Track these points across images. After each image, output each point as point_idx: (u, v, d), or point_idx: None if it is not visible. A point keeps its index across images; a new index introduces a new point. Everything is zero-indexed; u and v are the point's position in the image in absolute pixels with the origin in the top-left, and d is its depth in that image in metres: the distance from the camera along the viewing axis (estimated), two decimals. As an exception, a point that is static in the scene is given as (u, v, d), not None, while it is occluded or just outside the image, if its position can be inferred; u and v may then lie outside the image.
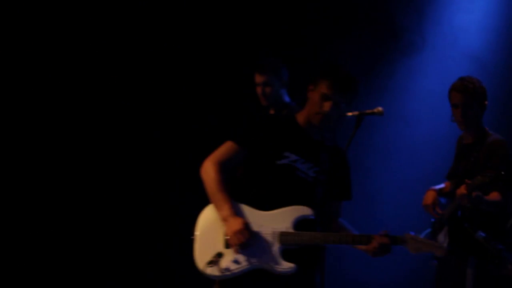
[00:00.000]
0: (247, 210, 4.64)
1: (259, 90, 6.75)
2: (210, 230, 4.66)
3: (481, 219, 5.45)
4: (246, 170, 4.76)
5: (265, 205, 4.65)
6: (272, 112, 6.76)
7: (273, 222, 4.59)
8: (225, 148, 4.75)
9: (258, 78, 6.74)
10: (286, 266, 4.54)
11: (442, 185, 5.95)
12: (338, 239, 4.57)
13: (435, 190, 5.85)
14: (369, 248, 4.55)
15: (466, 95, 5.61)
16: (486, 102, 5.68)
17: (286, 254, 4.57)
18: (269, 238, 4.57)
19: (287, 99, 6.78)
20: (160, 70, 8.34)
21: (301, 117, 4.79)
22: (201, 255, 4.62)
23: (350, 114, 5.28)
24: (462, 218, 5.45)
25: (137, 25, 8.28)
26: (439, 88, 5.87)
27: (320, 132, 4.79)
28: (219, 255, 4.56)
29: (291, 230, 4.57)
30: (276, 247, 4.56)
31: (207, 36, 8.26)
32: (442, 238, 5.68)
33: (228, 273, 4.54)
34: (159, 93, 8.32)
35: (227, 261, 4.56)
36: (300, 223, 4.61)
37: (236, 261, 4.56)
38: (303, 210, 4.62)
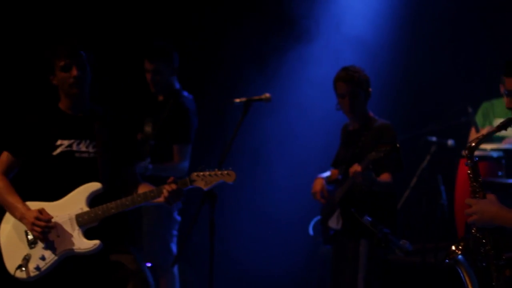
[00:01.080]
0: (39, 205, 4.77)
1: (148, 77, 6.65)
2: (13, 236, 4.79)
3: (371, 201, 5.54)
4: (29, 169, 4.91)
5: (56, 197, 4.78)
6: (161, 98, 6.66)
7: (67, 208, 4.72)
8: (3, 159, 4.92)
9: (148, 65, 6.64)
10: (90, 244, 4.67)
11: (328, 173, 6.02)
12: (131, 202, 4.70)
13: (322, 178, 5.94)
14: (162, 199, 4.69)
15: (352, 84, 5.70)
16: (371, 89, 5.77)
17: (91, 233, 4.71)
18: (67, 224, 4.71)
19: (177, 85, 6.69)
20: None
21: (62, 103, 4.92)
22: (10, 261, 4.74)
23: (238, 100, 5.38)
24: (351, 202, 5.53)
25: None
26: (332, 73, 5.89)
27: (84, 106, 4.91)
28: (27, 257, 4.68)
29: (86, 210, 4.70)
30: (76, 230, 4.69)
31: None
32: (334, 221, 5.76)
33: (38, 272, 4.68)
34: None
35: (35, 260, 4.69)
36: (94, 200, 4.75)
37: (43, 257, 4.69)
38: (91, 187, 4.76)
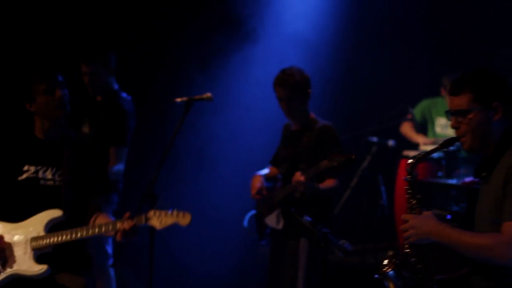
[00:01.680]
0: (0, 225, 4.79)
1: (85, 79, 6.57)
2: None
3: (309, 202, 5.55)
4: None
5: (19, 219, 4.77)
6: (99, 99, 6.59)
7: (25, 231, 4.73)
8: None
9: (84, 68, 6.55)
10: (38, 268, 4.67)
11: (266, 170, 6.02)
12: (86, 232, 4.68)
13: (261, 175, 5.94)
14: (117, 234, 4.64)
15: (287, 88, 5.71)
16: (310, 90, 5.76)
17: (43, 258, 4.70)
18: (22, 245, 4.72)
19: (115, 86, 6.61)
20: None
21: (37, 128, 4.90)
22: None
23: (179, 100, 5.36)
24: (291, 202, 5.54)
25: None
26: (275, 73, 5.88)
27: (59, 130, 4.88)
28: None
29: (42, 234, 4.70)
30: (29, 253, 4.70)
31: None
32: (273, 220, 5.76)
33: None
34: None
35: None
36: (55, 227, 4.73)
37: None
38: (52, 214, 4.74)
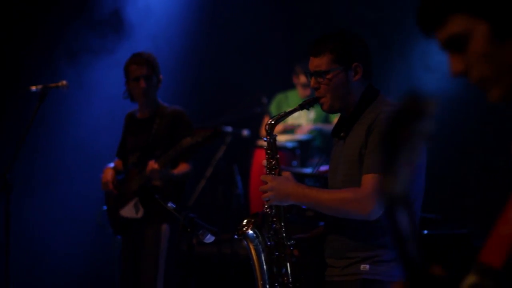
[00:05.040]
0: None
1: None
2: None
3: (169, 189, 5.51)
4: None
5: None
6: None
7: None
8: None
9: None
10: None
11: (112, 164, 5.94)
12: None
13: (112, 168, 5.86)
14: None
15: (148, 67, 5.66)
16: (161, 76, 5.78)
17: None
18: None
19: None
20: None
21: None
22: None
23: (34, 88, 5.29)
24: (152, 189, 5.47)
25: None
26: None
27: None
28: None
29: None
30: None
31: None
32: (131, 210, 5.66)
33: None
34: None
35: None
36: None
37: None
38: None
